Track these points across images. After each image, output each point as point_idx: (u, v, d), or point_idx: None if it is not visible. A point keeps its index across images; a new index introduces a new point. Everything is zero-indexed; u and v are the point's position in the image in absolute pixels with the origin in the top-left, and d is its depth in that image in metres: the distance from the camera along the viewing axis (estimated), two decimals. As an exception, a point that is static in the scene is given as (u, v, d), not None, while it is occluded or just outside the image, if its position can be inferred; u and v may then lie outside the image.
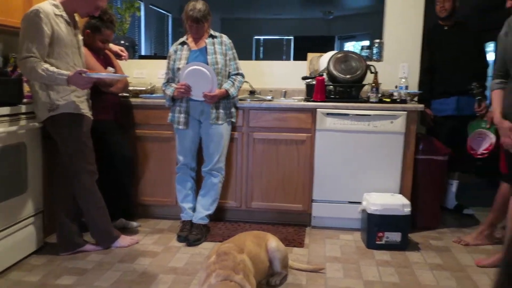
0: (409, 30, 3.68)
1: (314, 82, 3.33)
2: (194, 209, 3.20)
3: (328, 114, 3.17)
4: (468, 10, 6.35)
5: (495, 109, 2.42)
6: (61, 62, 2.54)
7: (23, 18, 2.50)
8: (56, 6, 2.56)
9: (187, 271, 2.59)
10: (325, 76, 3.38)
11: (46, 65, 2.44)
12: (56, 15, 2.53)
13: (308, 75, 3.64)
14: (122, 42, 3.84)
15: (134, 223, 3.30)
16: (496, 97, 2.41)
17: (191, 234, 3.04)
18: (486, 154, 2.99)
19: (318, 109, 3.18)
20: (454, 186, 3.69)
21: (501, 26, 2.44)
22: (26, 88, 2.78)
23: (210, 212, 3.16)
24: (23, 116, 2.66)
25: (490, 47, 5.52)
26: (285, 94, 3.77)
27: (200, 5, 2.97)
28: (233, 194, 3.38)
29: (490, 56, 5.01)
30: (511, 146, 2.31)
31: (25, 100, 2.74)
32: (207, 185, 3.15)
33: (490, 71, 3.84)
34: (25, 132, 2.66)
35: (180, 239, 3.06)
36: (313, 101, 3.26)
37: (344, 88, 3.35)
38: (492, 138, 3.01)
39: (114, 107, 3.14)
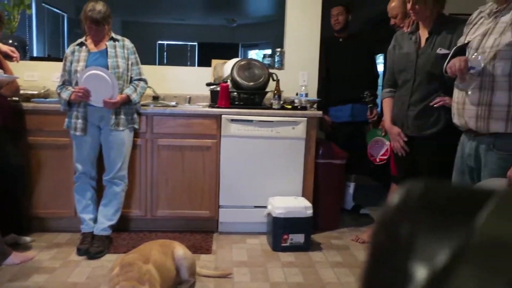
0: (308, 40, 3.87)
1: (218, 89, 3.35)
2: (95, 220, 3.03)
3: (232, 120, 3.21)
4: (361, 23, 6.86)
5: (386, 117, 2.65)
6: None
7: None
8: None
9: (88, 285, 2.45)
10: (229, 82, 3.42)
11: None
12: None
13: (212, 81, 3.65)
14: (11, 41, 3.53)
15: (27, 238, 3.04)
16: (386, 105, 2.64)
17: (93, 247, 2.88)
18: (385, 159, 3.22)
19: (223, 115, 3.21)
20: (351, 188, 3.94)
21: (389, 38, 2.67)
22: None
23: (112, 222, 3.02)
24: None
25: (380, 58, 6.00)
26: (189, 100, 3.74)
27: (100, 6, 2.84)
28: (137, 202, 3.27)
29: (380, 67, 5.44)
30: (400, 150, 2.53)
31: None
32: (109, 194, 3.01)
33: (380, 80, 4.18)
34: None
35: (80, 252, 2.88)
36: (218, 107, 3.28)
37: (248, 95, 3.42)
38: (387, 144, 3.24)
39: (2, 111, 2.87)
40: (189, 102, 3.72)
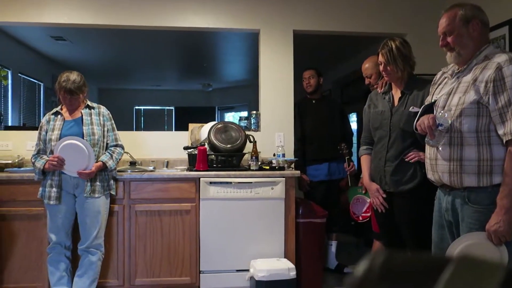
0: (282, 102, 3.97)
1: (196, 152, 3.37)
2: (69, 293, 2.89)
3: (211, 183, 3.20)
4: (330, 85, 7.14)
5: (364, 173, 2.69)
6: None
7: None
8: None
9: None
10: (206, 146, 3.44)
11: None
12: None
13: (189, 145, 3.67)
14: (-14, 112, 3.53)
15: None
16: (364, 162, 2.68)
17: (66, 323, 2.72)
18: (368, 217, 3.21)
19: (201, 178, 3.20)
20: (333, 246, 3.90)
21: (358, 99, 2.77)
22: None
23: (88, 294, 2.88)
24: None
25: (352, 117, 6.19)
26: (167, 164, 3.73)
27: (74, 76, 2.88)
28: (114, 271, 3.14)
29: (353, 125, 5.60)
30: (379, 206, 2.55)
31: None
32: (84, 265, 2.89)
33: (354, 138, 4.28)
34: None
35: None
36: (196, 170, 3.28)
37: (226, 157, 3.44)
38: (368, 201, 3.24)
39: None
40: (167, 166, 3.71)
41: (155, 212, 3.19)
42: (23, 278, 3.08)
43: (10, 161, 3.41)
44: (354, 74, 5.61)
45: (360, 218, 3.22)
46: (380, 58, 2.49)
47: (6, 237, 3.06)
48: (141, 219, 3.18)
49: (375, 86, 3.00)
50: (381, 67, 2.51)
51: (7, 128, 4.35)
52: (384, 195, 2.52)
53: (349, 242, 4.69)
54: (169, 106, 10.93)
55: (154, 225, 3.19)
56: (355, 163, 3.95)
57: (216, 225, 3.20)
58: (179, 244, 3.20)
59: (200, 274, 3.20)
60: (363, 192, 3.19)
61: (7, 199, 3.07)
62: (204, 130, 3.65)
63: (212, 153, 3.44)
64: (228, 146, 3.42)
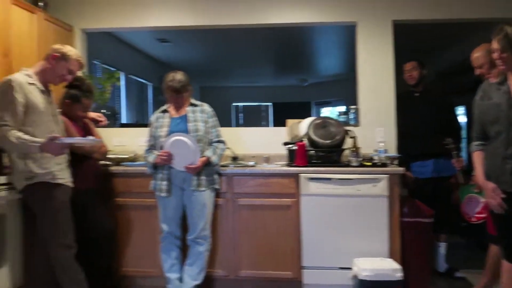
0: (382, 96, 3.83)
1: (295, 148, 3.37)
2: (181, 279, 3.07)
3: (311, 179, 3.18)
4: (433, 75, 6.73)
5: (477, 171, 2.47)
6: (38, 130, 2.52)
7: None
8: (28, 75, 2.58)
9: None
10: (305, 141, 3.43)
11: (19, 133, 2.41)
12: (29, 83, 2.54)
13: (289, 140, 3.69)
14: (103, 111, 3.85)
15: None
16: (477, 159, 2.47)
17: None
18: (482, 218, 2.98)
19: (301, 174, 3.20)
20: (442, 248, 3.67)
21: (465, 90, 2.53)
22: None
23: (198, 282, 3.04)
24: (3, 187, 2.59)
25: (461, 110, 5.77)
26: (267, 159, 3.79)
27: (179, 76, 3.03)
28: (221, 262, 3.28)
29: (462, 119, 5.22)
30: (496, 207, 2.34)
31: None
32: (193, 254, 3.06)
33: (464, 132, 3.97)
34: (4, 203, 2.57)
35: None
36: (296, 166, 3.28)
37: (325, 152, 3.40)
38: (482, 201, 2.99)
39: (95, 174, 3.09)
40: (267, 162, 3.77)
41: (257, 206, 3.26)
42: (140, 263, 3.34)
43: (125, 156, 3.71)
44: (460, 64, 5.22)
45: (473, 219, 2.99)
46: (495, 45, 2.27)
47: (124, 226, 3.34)
48: (244, 213, 3.27)
49: (486, 77, 2.75)
50: (495, 55, 2.29)
51: (122, 125, 4.74)
52: (503, 195, 2.30)
53: (460, 244, 4.39)
54: (265, 102, 11.13)
55: (257, 219, 3.25)
56: (465, 159, 3.67)
57: (317, 221, 3.19)
58: (280, 239, 3.24)
59: (303, 270, 3.21)
60: (477, 191, 2.95)
61: (124, 191, 3.34)
62: (302, 126, 3.65)
63: (311, 148, 3.43)
64: (328, 141, 3.38)
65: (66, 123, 2.88)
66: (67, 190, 2.68)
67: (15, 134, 2.40)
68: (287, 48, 6.87)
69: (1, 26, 2.98)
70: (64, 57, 2.62)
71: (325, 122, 3.49)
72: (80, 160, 2.94)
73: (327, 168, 3.22)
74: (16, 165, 2.55)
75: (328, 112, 10.62)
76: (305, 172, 3.20)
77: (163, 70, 3.16)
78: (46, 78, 2.65)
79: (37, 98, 2.55)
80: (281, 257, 3.23)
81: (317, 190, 3.18)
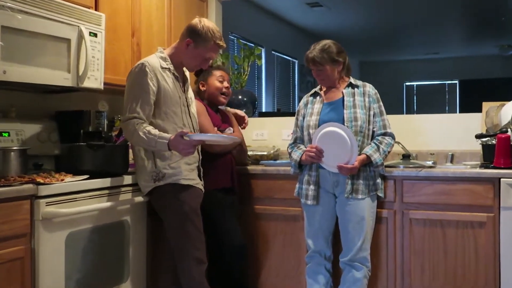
0: None
1: (494, 142, 3.18)
2: (331, 312, 3.09)
3: (518, 185, 2.93)
4: None
5: None
6: (168, 123, 2.74)
7: (128, 75, 2.79)
8: (163, 58, 2.81)
9: None
10: (510, 133, 3.17)
11: (149, 128, 2.63)
12: (163, 68, 2.77)
13: (484, 131, 3.46)
14: (240, 97, 4.03)
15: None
16: None
17: None
18: None
19: (502, 179, 2.97)
20: None
21: None
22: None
23: (352, 316, 3.02)
24: (126, 188, 2.86)
25: None
26: (452, 158, 3.64)
27: (323, 43, 3.02)
28: (383, 293, 3.23)
29: None
30: None
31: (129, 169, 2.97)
32: (347, 281, 3.02)
33: None
34: (128, 208, 2.85)
35: None
36: (494, 167, 3.07)
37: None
38: None
39: (231, 174, 3.26)
40: (451, 161, 3.64)
41: (436, 221, 3.12)
42: (281, 285, 3.44)
43: (265, 153, 3.83)
44: None
45: None
46: None
47: (262, 239, 3.47)
48: (418, 230, 3.15)
49: None
50: None
51: (262, 114, 4.92)
52: None
53: None
54: (451, 80, 10.60)
55: (435, 239, 3.12)
56: None
57: (525, 246, 2.91)
58: (469, 267, 3.06)
59: (502, 312, 2.98)
60: None
61: (263, 196, 3.47)
62: (506, 111, 3.38)
63: (519, 143, 3.14)
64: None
65: (200, 111, 3.08)
66: (198, 193, 2.87)
67: (145, 129, 2.63)
68: (483, 2, 6.43)
69: (128, 1, 3.33)
70: (203, 40, 2.76)
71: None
72: (212, 158, 3.12)
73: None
74: (143, 163, 2.79)
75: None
76: (509, 176, 2.95)
77: (313, 43, 3.16)
78: (181, 62, 2.87)
79: (170, 85, 2.78)
80: (470, 291, 3.05)
81: (526, 202, 2.91)
